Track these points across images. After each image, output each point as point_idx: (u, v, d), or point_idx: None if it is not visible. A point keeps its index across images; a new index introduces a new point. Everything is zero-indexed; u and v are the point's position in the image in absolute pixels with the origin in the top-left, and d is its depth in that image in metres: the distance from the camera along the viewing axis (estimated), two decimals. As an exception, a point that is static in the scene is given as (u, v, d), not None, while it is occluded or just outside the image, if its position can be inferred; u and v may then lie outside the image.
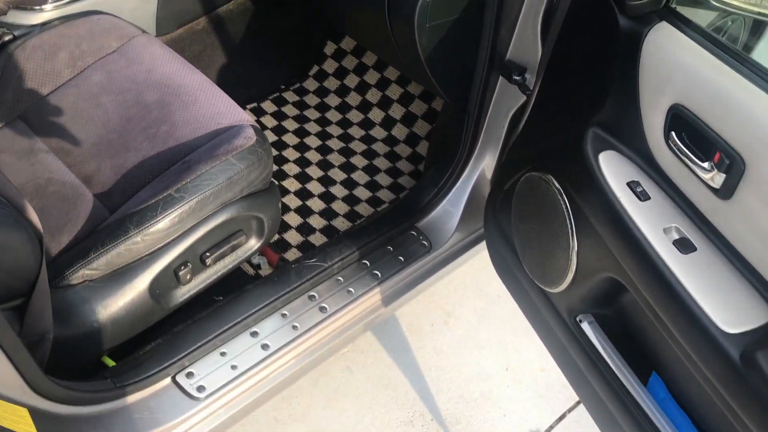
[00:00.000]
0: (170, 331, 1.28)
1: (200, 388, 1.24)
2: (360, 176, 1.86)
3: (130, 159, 1.31)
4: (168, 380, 1.23)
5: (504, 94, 1.47)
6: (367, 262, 1.51)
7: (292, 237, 1.68)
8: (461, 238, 1.66)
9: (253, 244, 1.39)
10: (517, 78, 1.40)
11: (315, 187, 1.81)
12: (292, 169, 1.84)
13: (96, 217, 1.24)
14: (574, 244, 1.16)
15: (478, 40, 1.36)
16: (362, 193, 1.82)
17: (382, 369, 1.82)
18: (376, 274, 1.50)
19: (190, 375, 1.25)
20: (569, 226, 1.16)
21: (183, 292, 1.30)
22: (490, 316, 2.01)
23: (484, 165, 1.61)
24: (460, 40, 1.39)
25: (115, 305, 1.19)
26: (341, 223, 1.73)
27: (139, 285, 1.21)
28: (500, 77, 1.45)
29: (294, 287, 1.40)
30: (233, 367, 1.28)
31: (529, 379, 1.91)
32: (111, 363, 1.27)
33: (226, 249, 1.32)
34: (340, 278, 1.47)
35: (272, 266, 1.59)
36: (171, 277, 1.26)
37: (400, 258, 1.54)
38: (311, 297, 1.42)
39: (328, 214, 1.75)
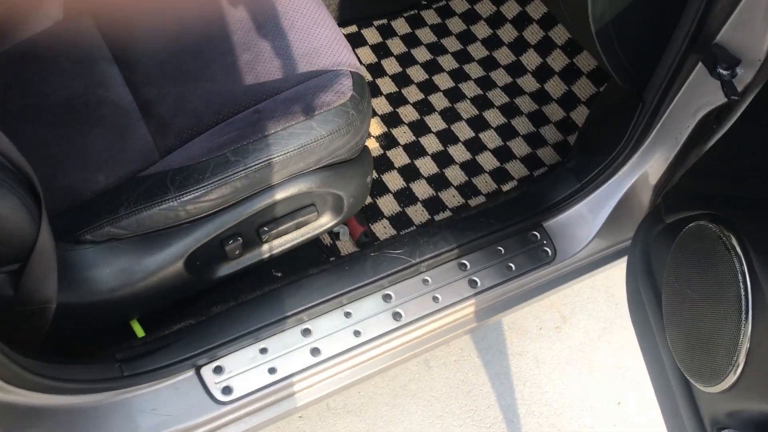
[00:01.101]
0: (207, 311, 1.12)
1: (226, 390, 1.08)
2: (491, 138, 1.58)
3: (197, 90, 1.11)
4: (191, 372, 1.08)
5: (698, 85, 1.12)
6: (466, 263, 1.26)
7: (387, 205, 1.45)
8: (596, 250, 1.36)
9: (326, 221, 1.18)
10: (724, 72, 1.04)
11: (431, 143, 1.55)
12: (408, 114, 1.58)
13: (143, 159, 1.07)
14: (745, 343, 0.86)
15: (672, 13, 1.01)
16: (487, 160, 1.54)
17: (465, 372, 1.61)
18: (475, 282, 1.25)
19: (218, 370, 1.09)
20: (744, 315, 0.86)
21: (229, 267, 1.13)
22: (614, 331, 1.72)
23: (648, 168, 1.29)
24: (648, 14, 1.04)
25: (142, 273, 1.03)
26: (451, 197, 1.48)
27: (174, 254, 1.04)
28: (699, 64, 1.10)
29: (367, 283, 1.18)
30: (272, 371, 1.11)
31: (644, 420, 1.63)
32: (141, 332, 1.14)
33: (290, 225, 1.12)
34: (427, 279, 1.24)
35: (353, 239, 1.37)
36: (216, 248, 1.08)
37: (511, 265, 1.28)
38: (386, 297, 1.20)
39: (438, 181, 1.49)
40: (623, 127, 1.26)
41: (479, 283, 1.26)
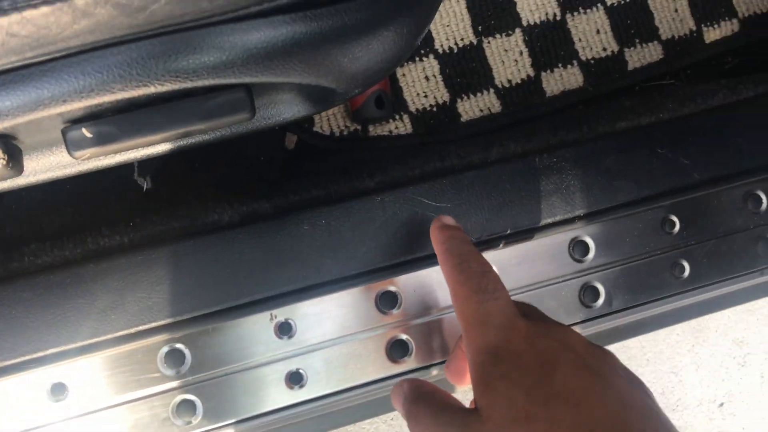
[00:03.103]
0: None
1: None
2: None
3: None
4: None
5: None
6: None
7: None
8: None
9: (276, 115, 0.45)
10: None
11: None
12: None
13: None
14: None
15: None
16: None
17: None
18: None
19: None
20: None
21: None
22: None
23: None
24: None
25: None
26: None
27: None
28: None
29: (365, 272, 0.50)
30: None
31: None
32: None
33: (160, 136, 0.40)
34: (509, 257, 0.54)
35: (349, 106, 0.63)
36: None
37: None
38: (383, 300, 0.52)
39: None
40: None
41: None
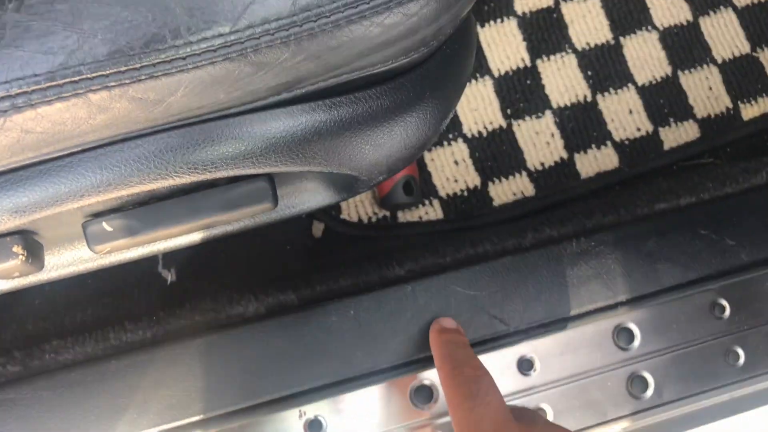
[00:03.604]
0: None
1: None
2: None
3: None
4: None
5: None
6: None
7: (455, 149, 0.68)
8: None
9: (298, 204, 0.44)
10: None
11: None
12: None
13: None
14: None
15: None
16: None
17: None
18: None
19: None
20: None
21: None
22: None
23: None
24: None
25: None
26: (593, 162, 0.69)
27: None
28: None
29: (395, 366, 0.48)
30: None
31: None
32: None
33: (178, 229, 0.39)
34: (529, 358, 0.51)
35: (377, 194, 0.63)
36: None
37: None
38: (418, 395, 0.50)
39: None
40: None
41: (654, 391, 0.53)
